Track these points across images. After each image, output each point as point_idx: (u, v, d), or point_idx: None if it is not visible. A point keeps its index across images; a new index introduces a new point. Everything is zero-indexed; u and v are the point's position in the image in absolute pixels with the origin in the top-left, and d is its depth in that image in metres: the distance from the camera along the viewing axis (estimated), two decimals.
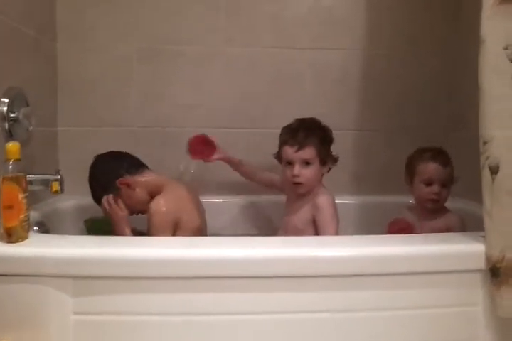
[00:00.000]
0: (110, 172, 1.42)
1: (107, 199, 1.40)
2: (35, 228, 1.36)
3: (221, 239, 1.18)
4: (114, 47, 1.76)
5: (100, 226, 1.49)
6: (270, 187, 1.63)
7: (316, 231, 1.42)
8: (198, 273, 1.02)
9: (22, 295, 1.00)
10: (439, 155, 1.40)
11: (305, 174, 1.41)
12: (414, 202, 1.48)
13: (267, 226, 1.74)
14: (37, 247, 1.02)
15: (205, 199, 1.55)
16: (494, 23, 1.01)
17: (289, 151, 1.42)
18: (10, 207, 1.03)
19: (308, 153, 1.41)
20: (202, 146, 1.55)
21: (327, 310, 1.05)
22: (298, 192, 1.46)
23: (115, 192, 1.41)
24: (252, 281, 1.03)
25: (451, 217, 1.40)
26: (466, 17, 1.80)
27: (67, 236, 1.18)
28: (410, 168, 1.44)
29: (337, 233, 1.39)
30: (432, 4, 1.86)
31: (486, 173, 1.03)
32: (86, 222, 1.54)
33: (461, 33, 1.83)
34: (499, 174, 1.01)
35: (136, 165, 1.45)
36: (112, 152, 1.47)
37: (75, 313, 1.02)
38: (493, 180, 1.02)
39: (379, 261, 1.06)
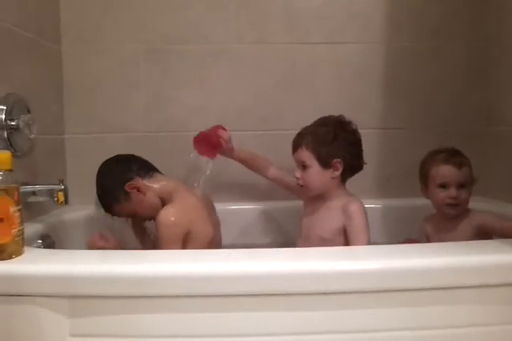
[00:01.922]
0: (118, 176, 1.34)
1: (92, 240, 1.29)
2: (39, 241, 1.31)
3: (233, 252, 1.05)
4: (120, 48, 1.69)
5: None
6: (284, 187, 1.53)
7: (346, 242, 1.31)
8: (208, 291, 0.92)
9: (14, 316, 0.92)
10: (452, 156, 1.29)
11: (303, 177, 1.35)
12: (432, 212, 1.36)
13: (281, 233, 1.66)
14: (30, 264, 0.94)
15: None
16: None
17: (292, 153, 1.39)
18: (0, 221, 0.95)
19: (301, 154, 1.34)
20: (207, 143, 1.46)
21: (357, 330, 0.94)
22: (306, 196, 1.41)
23: (124, 198, 1.33)
24: (279, 299, 0.93)
25: (473, 219, 1.27)
26: (493, 2, 1.67)
27: (66, 250, 1.10)
28: (423, 173, 1.33)
29: (369, 243, 1.28)
30: None
31: None
32: None
33: (490, 16, 1.70)
34: None
35: (146, 168, 1.37)
36: (119, 155, 1.39)
37: (72, 335, 0.94)
38: None
39: (402, 274, 0.93)
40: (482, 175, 1.29)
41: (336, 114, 1.40)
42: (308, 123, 1.40)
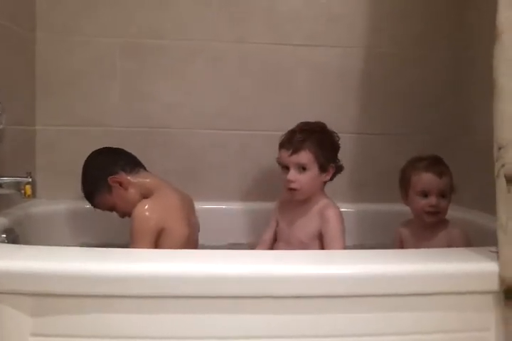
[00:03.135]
0: (103, 167, 1.35)
1: None
2: (2, 235, 1.26)
3: (211, 252, 1.03)
4: (98, 40, 1.64)
5: None
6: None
7: (322, 246, 1.32)
8: (178, 291, 0.90)
9: None
10: (434, 164, 1.29)
11: (300, 179, 1.32)
12: (410, 218, 1.36)
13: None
14: None
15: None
16: None
17: (285, 155, 1.34)
18: None
19: (304, 157, 1.32)
20: None
21: (325, 334, 0.93)
22: (294, 199, 1.36)
23: (105, 190, 1.33)
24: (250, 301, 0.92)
25: (452, 231, 1.28)
26: (473, 11, 1.69)
27: (31, 246, 1.05)
28: (404, 180, 1.33)
29: (344, 248, 1.30)
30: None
31: (501, 182, 0.91)
32: None
33: (468, 28, 1.72)
34: None
35: (132, 163, 1.37)
36: (108, 148, 1.39)
37: (33, 335, 0.90)
38: (509, 190, 0.90)
39: (374, 280, 0.93)
40: (457, 183, 1.30)
41: (311, 117, 1.40)
42: (286, 125, 1.39)
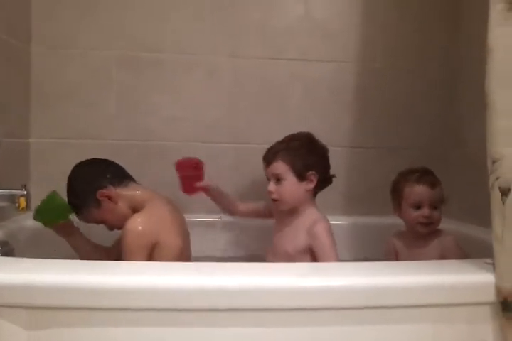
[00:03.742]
0: (90, 181, 1.30)
1: None
2: None
3: (204, 265, 1.04)
4: (93, 53, 1.66)
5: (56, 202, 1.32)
6: (257, 217, 1.54)
7: (314, 261, 1.31)
8: (173, 305, 0.89)
9: None
10: (425, 176, 1.31)
11: (278, 190, 1.34)
12: (403, 229, 1.37)
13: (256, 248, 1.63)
14: None
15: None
16: (504, 30, 0.92)
17: (264, 167, 1.38)
18: None
19: (277, 167, 1.34)
20: (190, 170, 1.45)
21: None
22: (279, 209, 1.38)
23: (93, 204, 1.29)
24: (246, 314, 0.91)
25: (445, 239, 1.30)
26: (467, 27, 1.74)
27: (25, 259, 1.04)
28: (396, 193, 1.34)
29: (338, 260, 1.29)
30: (430, 15, 1.80)
31: (495, 195, 0.93)
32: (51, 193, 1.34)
33: (461, 43, 1.76)
34: (511, 196, 0.91)
35: (120, 176, 1.34)
36: (95, 159, 1.35)
37: None
38: (503, 202, 0.92)
39: (367, 292, 0.93)
40: (448, 196, 1.31)
41: (305, 130, 1.41)
42: (279, 138, 1.41)
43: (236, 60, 1.72)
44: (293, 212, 1.37)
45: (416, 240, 1.32)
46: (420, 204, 1.29)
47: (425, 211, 1.28)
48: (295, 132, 1.41)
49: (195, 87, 1.71)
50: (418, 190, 1.29)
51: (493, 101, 0.93)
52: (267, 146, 1.40)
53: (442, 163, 1.69)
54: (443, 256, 1.27)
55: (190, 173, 1.45)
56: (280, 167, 1.33)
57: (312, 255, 1.32)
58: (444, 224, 1.36)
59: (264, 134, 1.70)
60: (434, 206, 1.29)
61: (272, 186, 1.34)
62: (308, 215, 1.35)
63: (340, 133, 1.76)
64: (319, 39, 1.75)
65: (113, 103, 1.67)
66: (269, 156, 1.36)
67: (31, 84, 1.63)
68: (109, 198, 1.29)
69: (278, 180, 1.34)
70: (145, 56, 1.68)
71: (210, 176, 1.69)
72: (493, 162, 0.93)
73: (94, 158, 1.35)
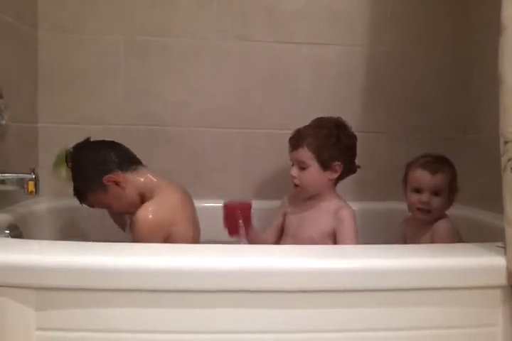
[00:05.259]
0: (97, 165, 1.25)
1: None
2: (6, 231, 1.26)
3: (216, 247, 1.01)
4: (100, 38, 1.65)
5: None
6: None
7: (335, 244, 1.31)
8: (181, 286, 0.89)
9: None
10: (433, 162, 1.29)
11: (300, 176, 1.32)
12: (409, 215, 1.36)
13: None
14: None
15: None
16: None
17: (289, 151, 1.35)
18: None
19: (302, 154, 1.32)
20: (238, 215, 1.31)
21: (331, 329, 0.93)
22: (300, 195, 1.37)
23: (100, 189, 1.26)
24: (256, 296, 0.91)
25: (437, 226, 1.27)
26: (476, 8, 1.70)
27: (35, 241, 1.06)
28: (405, 175, 1.34)
29: None
30: None
31: (507, 176, 0.91)
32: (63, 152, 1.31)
33: (472, 28, 1.72)
34: None
35: (128, 159, 1.29)
36: (104, 141, 1.30)
37: (39, 329, 0.89)
38: None
39: (380, 274, 0.93)
40: (461, 182, 1.30)
41: (314, 115, 1.39)
42: (288, 123, 1.39)
43: (244, 43, 1.70)
44: (314, 197, 1.36)
45: (418, 226, 1.31)
46: (421, 189, 1.27)
47: (424, 196, 1.26)
48: (309, 117, 1.38)
49: (203, 71, 1.70)
50: (418, 175, 1.28)
51: (505, 81, 0.91)
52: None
53: (453, 148, 1.67)
54: (433, 242, 1.25)
55: (238, 217, 1.32)
56: (305, 154, 1.31)
57: (334, 240, 1.31)
58: (456, 210, 1.35)
59: (273, 119, 1.70)
60: (436, 193, 1.26)
61: (294, 171, 1.33)
62: (332, 200, 1.35)
63: (350, 118, 1.69)
64: (328, 22, 1.72)
65: (121, 88, 1.67)
66: (296, 141, 1.33)
67: (39, 70, 1.63)
68: (117, 183, 1.26)
69: (302, 166, 1.32)
70: (153, 40, 1.67)
71: (219, 162, 1.70)
72: (506, 142, 0.91)
73: (100, 140, 1.31)
